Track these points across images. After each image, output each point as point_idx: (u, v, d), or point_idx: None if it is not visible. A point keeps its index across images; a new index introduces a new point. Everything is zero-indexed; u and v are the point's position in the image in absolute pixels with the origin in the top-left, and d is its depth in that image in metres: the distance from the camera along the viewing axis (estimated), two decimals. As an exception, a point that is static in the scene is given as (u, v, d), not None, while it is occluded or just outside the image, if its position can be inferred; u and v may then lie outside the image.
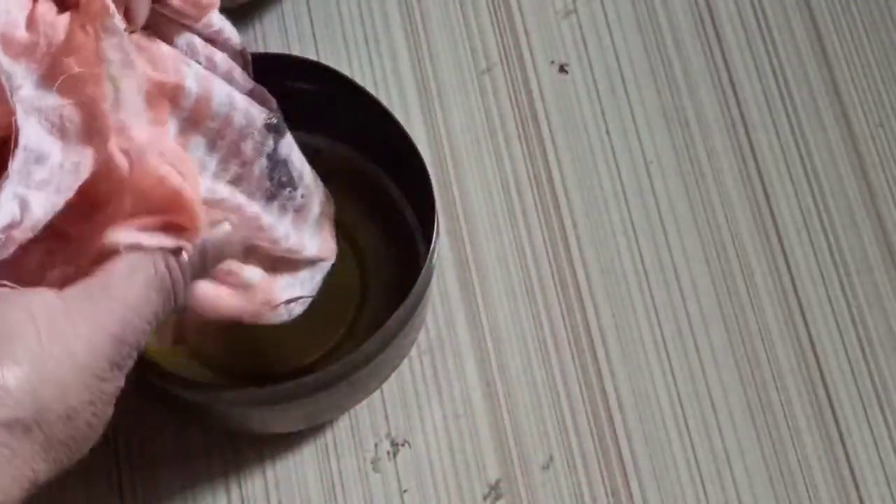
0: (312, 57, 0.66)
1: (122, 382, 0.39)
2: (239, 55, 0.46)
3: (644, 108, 0.67)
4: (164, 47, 0.42)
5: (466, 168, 0.65)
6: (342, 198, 0.60)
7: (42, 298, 0.37)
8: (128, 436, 0.60)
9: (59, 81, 0.37)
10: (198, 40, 0.44)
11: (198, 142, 0.42)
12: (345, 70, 0.65)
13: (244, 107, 0.44)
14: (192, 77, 0.41)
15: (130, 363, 0.39)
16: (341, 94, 0.57)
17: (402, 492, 0.59)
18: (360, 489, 0.59)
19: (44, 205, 0.37)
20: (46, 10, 0.38)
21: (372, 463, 0.60)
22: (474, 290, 0.63)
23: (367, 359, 0.53)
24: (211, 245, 0.42)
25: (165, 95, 0.41)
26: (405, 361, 0.60)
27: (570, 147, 0.66)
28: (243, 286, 0.45)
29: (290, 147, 0.46)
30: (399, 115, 0.57)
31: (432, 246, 0.53)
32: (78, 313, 0.37)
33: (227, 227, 0.42)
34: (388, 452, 0.60)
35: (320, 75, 0.57)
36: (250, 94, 0.45)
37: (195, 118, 0.42)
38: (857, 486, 0.59)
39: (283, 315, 0.48)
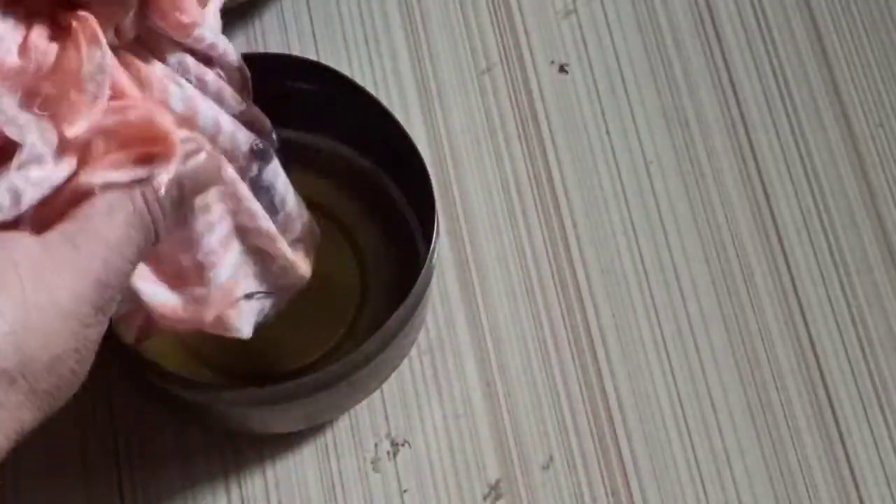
0: (312, 57, 0.66)
1: (105, 327, 0.39)
2: (236, 71, 0.46)
3: (644, 108, 0.67)
4: (154, 66, 0.42)
5: (466, 168, 0.65)
6: (342, 198, 0.60)
7: (23, 245, 0.37)
8: (128, 436, 0.60)
9: (37, 101, 0.38)
10: (190, 59, 0.44)
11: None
12: (345, 70, 0.65)
13: (230, 130, 0.44)
14: (178, 97, 0.42)
15: (113, 306, 0.39)
16: (341, 94, 0.57)
17: (402, 492, 0.59)
18: (360, 489, 0.59)
19: (33, 197, 0.38)
20: (38, 38, 0.39)
21: (372, 463, 0.60)
22: (474, 290, 0.63)
23: (367, 359, 0.53)
24: (188, 177, 0.41)
25: None
26: (405, 361, 0.60)
27: (570, 147, 0.66)
28: (201, 295, 0.45)
29: (275, 173, 0.46)
30: (399, 115, 0.57)
31: (432, 246, 0.53)
32: (60, 259, 0.37)
33: (202, 157, 0.42)
34: (388, 452, 0.60)
35: (320, 75, 0.57)
36: (241, 115, 0.45)
37: None
38: (857, 486, 0.59)
39: (243, 325, 0.47)
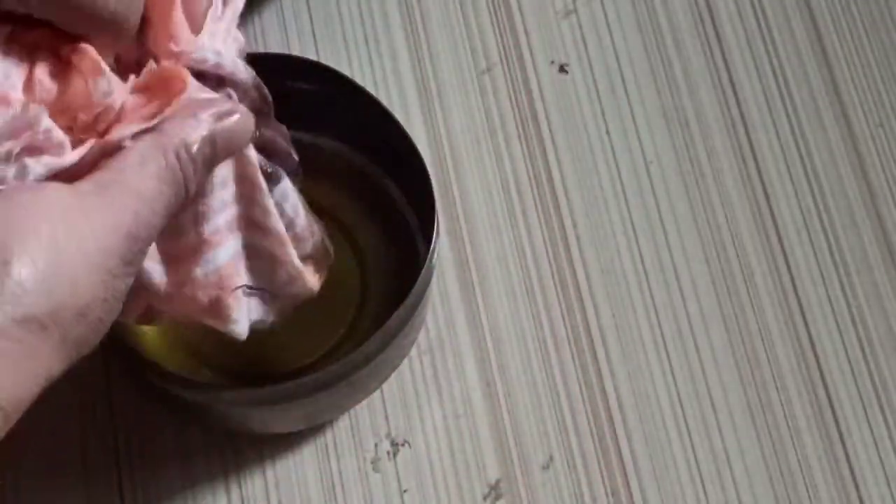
0: (312, 57, 0.66)
1: (132, 279, 0.39)
2: (253, 90, 0.45)
3: (644, 108, 0.67)
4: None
5: (466, 168, 0.65)
6: (342, 198, 0.60)
7: (56, 195, 0.37)
8: (128, 435, 0.60)
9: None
10: (193, 82, 0.44)
11: None
12: (345, 70, 0.65)
13: None
14: None
15: (142, 258, 0.39)
16: (341, 94, 0.57)
17: (402, 492, 0.59)
18: (360, 489, 0.59)
19: (39, 173, 0.38)
20: (42, 73, 0.39)
21: (372, 463, 0.60)
22: (474, 290, 0.63)
23: (367, 359, 0.53)
24: (221, 136, 0.41)
25: None
26: (405, 361, 0.60)
27: (570, 147, 0.66)
28: (196, 276, 0.45)
29: (283, 195, 0.46)
30: (399, 115, 0.57)
31: (432, 246, 0.53)
32: (92, 210, 0.37)
33: (236, 117, 0.42)
34: (388, 452, 0.60)
35: (320, 75, 0.57)
36: (252, 137, 0.45)
37: None
38: (857, 486, 0.59)
39: (240, 317, 0.47)
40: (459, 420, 0.60)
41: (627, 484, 0.59)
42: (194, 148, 0.40)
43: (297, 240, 0.47)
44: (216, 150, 0.41)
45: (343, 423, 0.60)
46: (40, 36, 0.39)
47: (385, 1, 0.69)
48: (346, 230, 0.60)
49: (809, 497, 0.59)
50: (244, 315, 0.47)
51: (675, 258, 0.64)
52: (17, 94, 0.39)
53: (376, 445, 0.60)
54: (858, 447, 0.60)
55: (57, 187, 0.37)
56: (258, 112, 0.46)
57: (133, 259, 0.38)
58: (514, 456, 0.60)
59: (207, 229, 0.44)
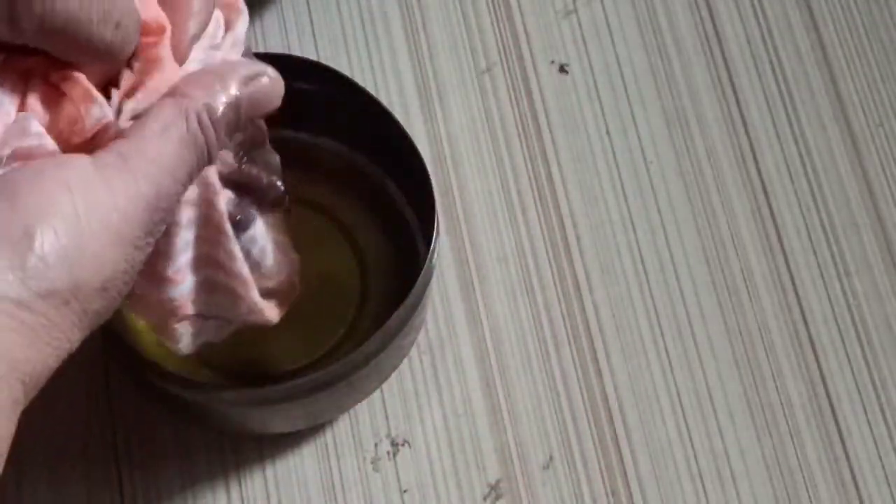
0: (312, 57, 0.66)
1: (151, 248, 0.39)
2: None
3: (644, 108, 0.67)
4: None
5: (466, 168, 0.65)
6: (342, 198, 0.60)
7: (77, 167, 0.36)
8: (128, 435, 0.60)
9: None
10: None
11: None
12: (345, 70, 0.65)
13: (209, 196, 0.43)
14: None
15: (162, 228, 0.39)
16: (341, 94, 0.57)
17: (402, 492, 0.59)
18: (360, 489, 0.59)
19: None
20: (34, 101, 0.38)
21: (372, 463, 0.60)
22: (474, 290, 0.63)
23: (367, 359, 0.53)
24: (246, 100, 0.40)
25: None
26: (405, 361, 0.60)
27: (570, 147, 0.66)
28: (153, 298, 0.45)
29: (252, 239, 0.45)
30: (399, 115, 0.57)
31: (432, 246, 0.53)
32: (114, 181, 0.37)
33: (264, 80, 0.41)
34: (388, 452, 0.60)
35: (320, 75, 0.57)
36: (234, 173, 0.44)
37: None
38: (857, 486, 0.59)
39: (184, 343, 0.46)
40: (459, 420, 0.60)
41: (627, 484, 0.59)
42: (219, 112, 0.39)
43: (262, 277, 0.47)
44: (240, 114, 0.41)
45: (343, 423, 0.60)
46: (34, 63, 0.39)
47: (385, 1, 0.69)
48: (346, 230, 0.60)
49: (809, 497, 0.59)
50: (191, 338, 0.46)
51: (675, 258, 0.64)
52: (10, 122, 0.38)
53: (376, 445, 0.60)
54: (858, 447, 0.60)
55: (79, 159, 0.37)
56: (251, 142, 0.45)
57: (153, 229, 0.38)
58: (514, 456, 0.60)
59: (170, 269, 0.43)
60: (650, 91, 0.67)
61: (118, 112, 0.39)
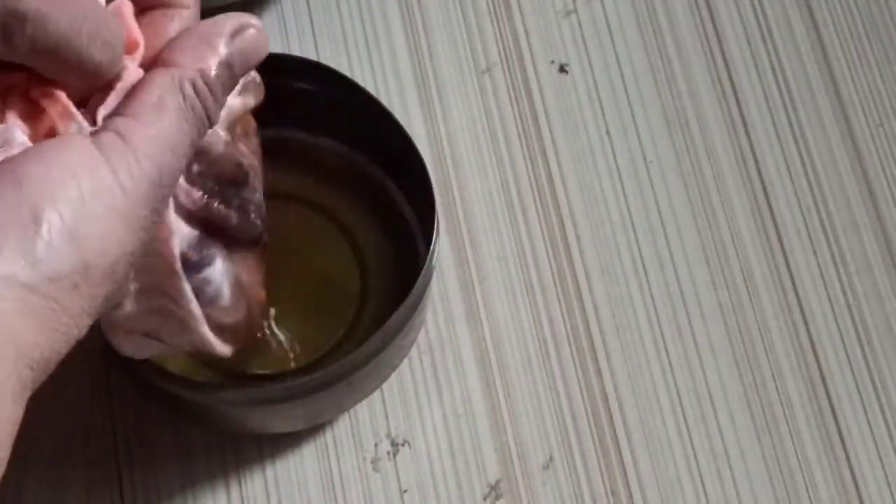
0: (312, 57, 0.66)
1: (155, 229, 0.39)
2: (228, 161, 0.44)
3: (644, 108, 0.67)
4: None
5: (466, 168, 0.65)
6: (342, 198, 0.60)
7: (79, 150, 0.36)
8: (128, 435, 0.60)
9: None
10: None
11: None
12: (345, 70, 0.65)
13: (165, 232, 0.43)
14: None
15: (167, 204, 0.39)
16: (341, 94, 0.57)
17: (402, 492, 0.59)
18: (360, 489, 0.59)
19: None
20: (13, 118, 0.38)
21: (372, 463, 0.60)
22: (474, 290, 0.63)
23: (367, 359, 0.53)
24: (237, 56, 0.40)
25: None
26: (405, 361, 0.60)
27: (570, 147, 0.66)
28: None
29: (206, 280, 0.44)
30: (399, 115, 0.57)
31: (432, 246, 0.53)
32: (116, 160, 0.36)
33: (250, 32, 0.40)
34: (388, 452, 0.60)
35: (320, 75, 0.57)
36: (197, 209, 0.43)
37: None
38: (857, 486, 0.59)
39: (130, 352, 0.46)
40: (459, 420, 0.60)
41: (627, 484, 0.59)
42: (212, 76, 0.39)
43: (217, 312, 0.46)
44: (234, 71, 0.40)
45: (343, 423, 0.60)
46: (16, 79, 0.39)
47: (385, 1, 0.69)
48: (346, 230, 0.60)
49: (809, 497, 0.59)
50: (135, 350, 0.47)
51: (675, 258, 0.64)
52: None
53: (376, 445, 0.60)
54: (858, 447, 0.60)
55: (79, 140, 0.37)
56: (232, 181, 0.44)
57: (158, 207, 0.38)
58: (514, 456, 0.60)
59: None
60: (650, 91, 0.67)
61: (93, 125, 0.39)
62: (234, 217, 0.45)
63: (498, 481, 0.59)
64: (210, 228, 0.44)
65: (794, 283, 0.63)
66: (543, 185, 0.65)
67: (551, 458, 0.60)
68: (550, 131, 0.66)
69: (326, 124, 0.59)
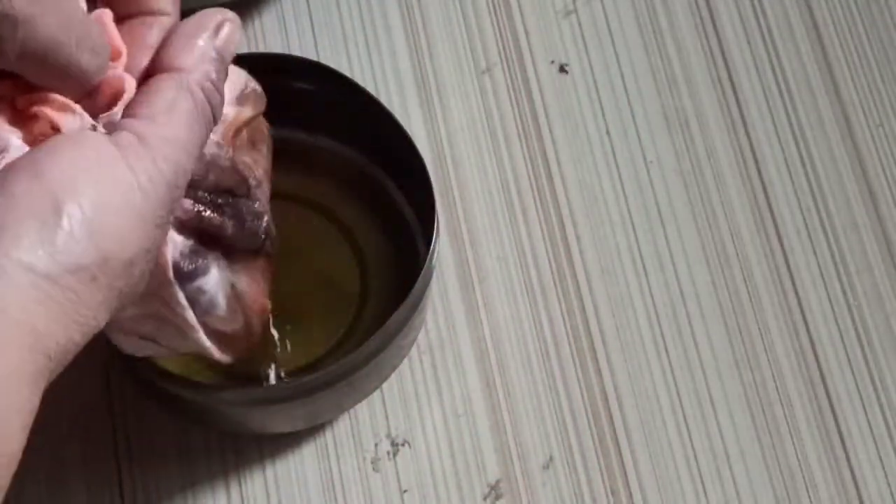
0: (312, 57, 0.66)
1: (169, 226, 0.40)
2: (230, 171, 0.45)
3: (644, 108, 0.67)
4: None
5: (466, 168, 0.65)
6: (342, 198, 0.60)
7: (97, 148, 0.37)
8: (128, 435, 0.60)
9: None
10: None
11: None
12: (345, 70, 0.65)
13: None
14: None
15: (178, 205, 0.40)
16: (341, 94, 0.57)
17: (402, 492, 0.59)
18: (360, 489, 0.59)
19: None
20: (2, 124, 0.38)
21: (372, 463, 0.60)
22: (474, 290, 0.63)
23: (367, 359, 0.53)
24: (224, 47, 0.41)
25: None
26: (405, 361, 0.60)
27: (570, 147, 0.66)
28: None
29: (199, 289, 0.44)
30: (399, 115, 0.57)
31: (432, 246, 0.53)
32: (133, 160, 0.37)
33: (228, 26, 0.41)
34: (388, 452, 0.60)
35: (320, 75, 0.57)
36: (189, 218, 0.44)
37: None
38: (857, 486, 0.59)
39: (128, 350, 0.47)
40: (459, 420, 0.60)
41: (627, 484, 0.59)
42: (213, 74, 0.40)
43: (214, 320, 0.46)
44: (226, 63, 0.41)
45: (343, 423, 0.60)
46: (4, 86, 0.39)
47: (385, 1, 0.69)
48: (346, 230, 0.60)
49: (809, 497, 0.59)
50: (135, 349, 0.47)
51: (675, 258, 0.64)
52: None
53: (376, 445, 0.60)
54: (858, 447, 0.60)
55: (97, 138, 0.37)
56: (228, 191, 0.45)
57: (172, 205, 0.39)
58: (514, 456, 0.60)
59: None
60: (650, 91, 0.67)
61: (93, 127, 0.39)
62: (229, 226, 0.45)
63: (498, 481, 0.59)
64: (205, 238, 0.45)
65: (794, 283, 0.63)
66: (543, 185, 0.65)
67: (551, 458, 0.60)
68: (550, 131, 0.66)
69: (326, 124, 0.59)
